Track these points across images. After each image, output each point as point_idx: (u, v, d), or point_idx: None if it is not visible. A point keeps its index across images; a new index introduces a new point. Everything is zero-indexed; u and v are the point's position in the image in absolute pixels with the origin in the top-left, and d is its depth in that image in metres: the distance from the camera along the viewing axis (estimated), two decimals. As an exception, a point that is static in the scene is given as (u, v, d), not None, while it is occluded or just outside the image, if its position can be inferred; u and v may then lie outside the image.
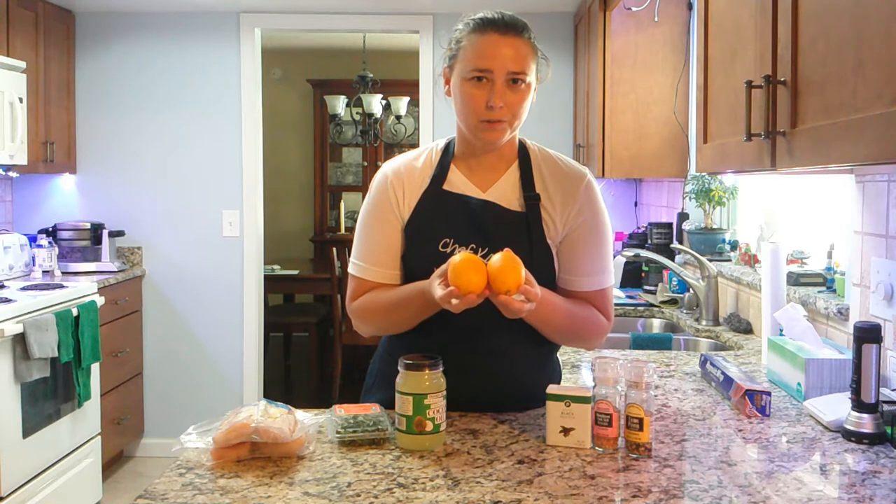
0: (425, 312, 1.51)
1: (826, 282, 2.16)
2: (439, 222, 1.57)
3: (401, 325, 1.60)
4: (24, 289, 3.45)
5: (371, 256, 1.60)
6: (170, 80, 4.40)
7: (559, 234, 1.59)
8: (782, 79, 1.33)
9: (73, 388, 3.41)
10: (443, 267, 1.42)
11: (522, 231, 1.56)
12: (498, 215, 1.57)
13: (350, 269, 1.64)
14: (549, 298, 1.51)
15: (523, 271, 1.38)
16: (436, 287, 1.40)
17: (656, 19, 3.45)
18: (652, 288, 3.26)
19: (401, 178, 1.61)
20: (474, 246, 1.55)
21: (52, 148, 4.03)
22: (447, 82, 1.59)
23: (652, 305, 3.07)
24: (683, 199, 3.40)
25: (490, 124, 1.52)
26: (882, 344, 1.48)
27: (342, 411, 1.50)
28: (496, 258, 1.39)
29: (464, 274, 1.37)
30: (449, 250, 1.55)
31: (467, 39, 1.52)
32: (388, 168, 1.64)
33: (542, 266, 1.57)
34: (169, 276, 4.44)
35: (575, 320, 1.57)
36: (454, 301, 1.36)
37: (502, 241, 1.55)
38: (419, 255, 1.58)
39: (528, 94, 1.53)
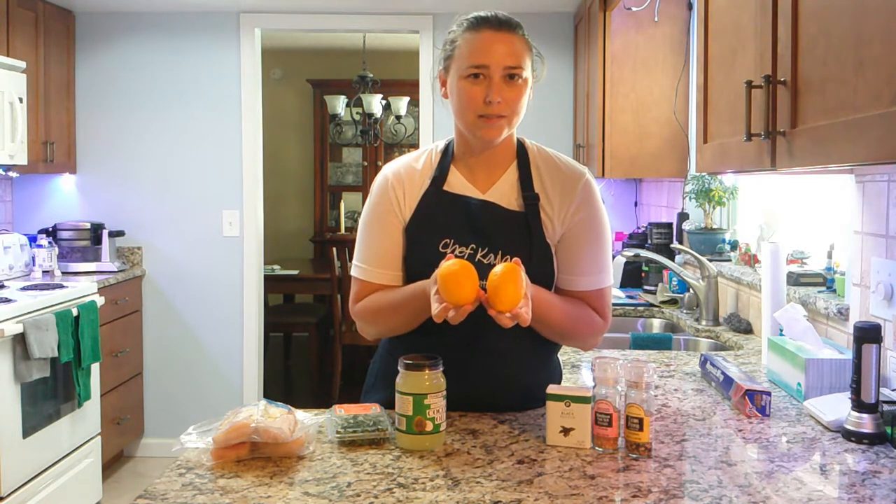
0: (424, 314, 1.51)
1: (826, 282, 2.16)
2: (440, 223, 1.57)
3: (402, 327, 1.60)
4: (24, 289, 3.45)
5: (373, 259, 1.60)
6: (170, 80, 4.40)
7: (557, 233, 1.59)
8: (782, 79, 1.33)
9: (73, 388, 3.41)
10: (435, 274, 1.40)
11: (522, 231, 1.57)
12: (498, 215, 1.57)
13: (352, 272, 1.64)
14: (545, 299, 1.51)
15: (523, 289, 1.36)
16: (432, 301, 1.39)
17: (656, 19, 3.45)
18: (652, 288, 3.26)
19: (401, 179, 1.61)
20: (474, 246, 1.56)
21: (52, 148, 4.03)
22: (443, 84, 1.60)
23: (652, 305, 3.07)
24: (683, 199, 3.40)
25: (488, 120, 1.52)
26: (882, 344, 1.48)
27: (342, 411, 1.50)
28: (497, 271, 1.36)
29: (452, 287, 1.35)
30: (449, 250, 1.55)
31: (462, 38, 1.54)
32: (388, 170, 1.64)
33: (542, 266, 1.57)
34: (169, 276, 4.44)
35: (571, 321, 1.57)
36: (451, 314, 1.36)
37: (502, 241, 1.55)
38: (420, 256, 1.58)
39: (525, 89, 1.54)
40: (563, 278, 1.61)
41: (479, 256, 1.55)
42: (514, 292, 1.35)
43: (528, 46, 1.55)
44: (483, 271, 1.52)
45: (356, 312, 1.63)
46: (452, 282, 1.35)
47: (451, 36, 1.57)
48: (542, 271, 1.57)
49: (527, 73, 1.53)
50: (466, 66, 1.51)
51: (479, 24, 1.53)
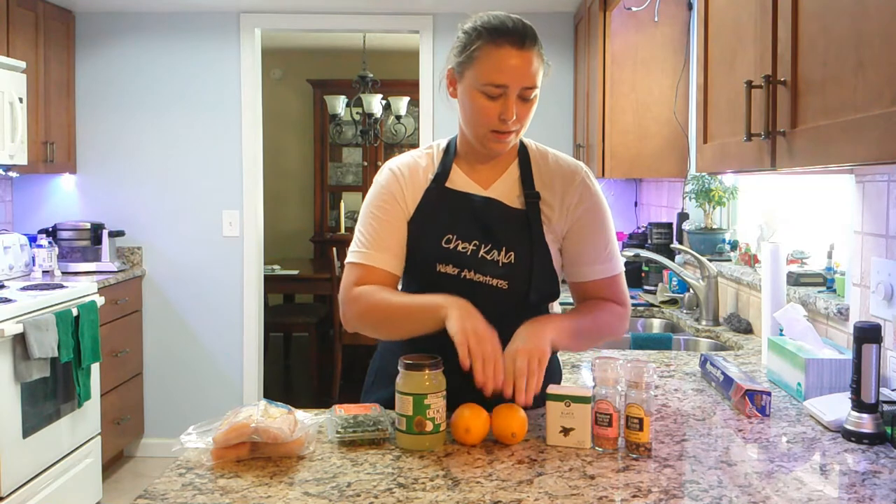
0: (422, 330, 1.49)
1: (826, 282, 2.16)
2: (442, 219, 1.58)
3: (393, 330, 1.59)
4: (24, 289, 3.45)
5: (376, 243, 1.58)
6: (170, 80, 4.40)
7: (561, 229, 1.60)
8: (782, 79, 1.33)
9: (73, 388, 3.41)
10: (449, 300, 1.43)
11: (523, 228, 1.58)
12: (500, 212, 1.58)
13: (351, 258, 1.60)
14: (570, 328, 1.52)
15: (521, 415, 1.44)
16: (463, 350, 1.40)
17: (656, 19, 3.45)
18: (652, 288, 3.26)
19: (404, 174, 1.62)
20: (477, 243, 1.56)
21: (52, 148, 4.03)
22: (451, 83, 1.58)
23: (652, 305, 3.07)
24: (683, 199, 3.40)
25: (500, 135, 1.53)
26: (882, 344, 1.48)
27: (342, 411, 1.50)
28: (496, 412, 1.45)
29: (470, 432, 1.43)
30: (452, 246, 1.56)
31: (482, 50, 1.50)
32: (392, 164, 1.65)
33: (542, 263, 1.58)
34: (169, 276, 4.44)
35: (598, 328, 1.59)
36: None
37: (505, 238, 1.56)
38: (422, 251, 1.58)
39: (536, 102, 1.54)
40: (574, 271, 1.63)
41: (482, 253, 1.56)
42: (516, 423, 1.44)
43: (542, 59, 1.53)
44: (487, 268, 1.53)
45: (353, 296, 1.57)
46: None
47: (467, 39, 1.53)
48: (542, 269, 1.58)
49: (539, 87, 1.53)
50: (485, 83, 1.49)
51: (501, 36, 1.48)
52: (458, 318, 1.40)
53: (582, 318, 1.58)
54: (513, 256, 1.56)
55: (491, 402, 1.62)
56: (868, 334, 1.46)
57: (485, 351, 1.37)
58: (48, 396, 3.27)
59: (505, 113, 1.49)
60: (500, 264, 1.56)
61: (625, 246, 3.64)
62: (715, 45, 1.76)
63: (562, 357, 2.04)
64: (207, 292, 4.44)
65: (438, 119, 4.39)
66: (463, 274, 1.56)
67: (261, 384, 4.54)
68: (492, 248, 1.56)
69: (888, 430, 1.45)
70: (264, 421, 1.36)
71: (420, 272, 1.59)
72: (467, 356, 1.37)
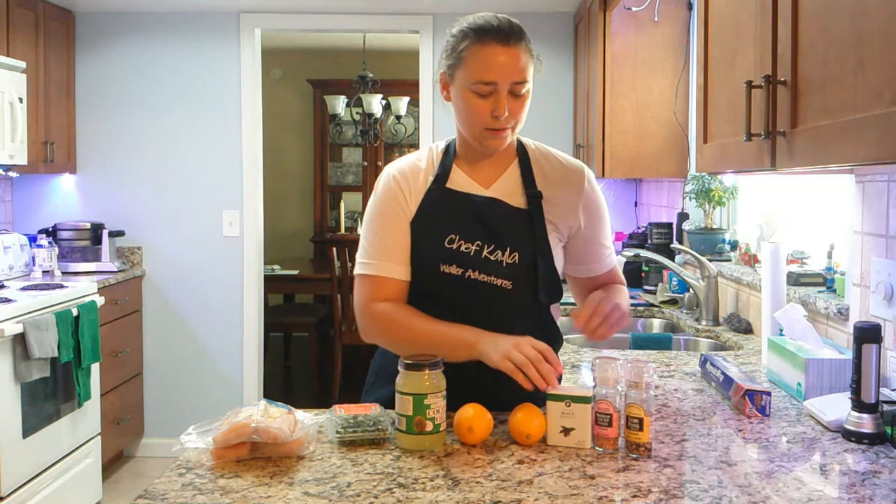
0: (454, 360, 1.51)
1: (826, 282, 2.16)
2: (444, 219, 1.58)
3: (417, 353, 1.62)
4: (24, 289, 3.45)
5: (384, 253, 1.60)
6: (170, 80, 4.40)
7: (567, 228, 1.63)
8: (782, 79, 1.33)
9: (73, 388, 3.41)
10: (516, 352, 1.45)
11: (526, 228, 1.59)
12: (503, 211, 1.59)
13: (361, 270, 1.61)
14: (624, 307, 1.61)
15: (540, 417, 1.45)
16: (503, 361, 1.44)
17: (656, 19, 3.45)
18: (652, 288, 3.26)
19: (406, 177, 1.63)
20: (480, 243, 1.57)
21: (52, 148, 4.03)
22: (445, 88, 1.60)
23: (652, 305, 3.07)
24: (683, 199, 3.40)
25: (494, 132, 1.54)
26: (882, 344, 1.48)
27: (342, 411, 1.50)
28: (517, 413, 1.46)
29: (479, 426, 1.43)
30: (455, 247, 1.57)
31: (469, 50, 1.52)
32: (392, 168, 1.66)
33: (546, 263, 1.59)
34: (169, 276, 4.44)
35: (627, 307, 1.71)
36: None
37: (508, 237, 1.57)
38: (425, 252, 1.59)
39: (529, 97, 1.56)
40: (582, 269, 1.70)
41: (485, 253, 1.56)
42: (532, 423, 1.44)
43: (531, 54, 1.54)
44: (491, 268, 1.53)
45: (374, 313, 1.59)
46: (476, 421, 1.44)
47: (455, 42, 1.55)
48: (547, 269, 1.59)
49: (530, 82, 1.54)
50: (474, 81, 1.51)
51: (486, 34, 1.50)
52: (494, 350, 1.46)
53: (622, 299, 1.67)
54: (517, 257, 1.57)
55: (490, 403, 1.62)
56: (868, 334, 1.46)
57: (530, 356, 1.43)
58: (48, 396, 3.27)
59: (497, 110, 1.51)
60: (504, 264, 1.57)
61: (625, 246, 3.64)
62: (715, 45, 1.77)
63: (562, 357, 2.04)
64: (207, 292, 4.44)
65: (438, 119, 4.39)
66: (467, 274, 1.57)
67: (261, 384, 4.54)
68: (495, 249, 1.57)
69: (888, 430, 1.45)
70: (264, 421, 1.36)
71: (424, 273, 1.60)
72: (524, 377, 1.43)
